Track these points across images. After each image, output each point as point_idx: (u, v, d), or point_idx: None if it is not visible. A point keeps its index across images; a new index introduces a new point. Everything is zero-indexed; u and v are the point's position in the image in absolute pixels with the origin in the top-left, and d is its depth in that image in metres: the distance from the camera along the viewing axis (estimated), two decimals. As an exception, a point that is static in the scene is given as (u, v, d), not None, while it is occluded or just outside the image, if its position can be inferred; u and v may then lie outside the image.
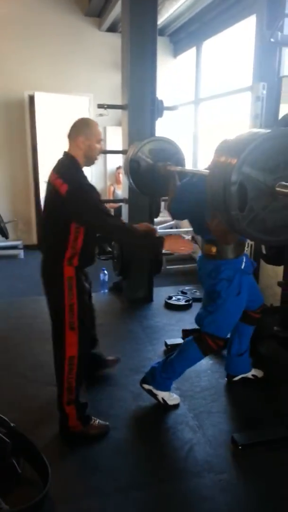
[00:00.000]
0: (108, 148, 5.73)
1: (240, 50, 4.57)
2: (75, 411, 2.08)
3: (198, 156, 5.65)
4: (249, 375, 2.64)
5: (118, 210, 4.92)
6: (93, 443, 2.09)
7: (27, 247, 5.95)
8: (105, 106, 3.54)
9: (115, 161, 6.18)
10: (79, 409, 2.09)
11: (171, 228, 5.52)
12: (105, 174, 6.45)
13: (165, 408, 2.36)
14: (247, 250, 2.68)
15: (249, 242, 2.75)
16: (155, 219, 3.89)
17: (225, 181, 1.32)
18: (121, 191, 4.98)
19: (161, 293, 4.06)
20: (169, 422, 2.28)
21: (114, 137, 5.31)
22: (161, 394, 2.37)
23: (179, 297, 3.95)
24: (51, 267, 2.05)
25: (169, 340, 3.10)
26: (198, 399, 2.47)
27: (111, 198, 6.11)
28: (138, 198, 3.59)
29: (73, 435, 2.10)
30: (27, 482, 1.83)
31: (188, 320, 3.39)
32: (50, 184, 2.02)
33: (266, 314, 2.78)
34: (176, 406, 2.38)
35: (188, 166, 3.11)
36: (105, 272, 4.30)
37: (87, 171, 2.08)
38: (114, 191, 6.26)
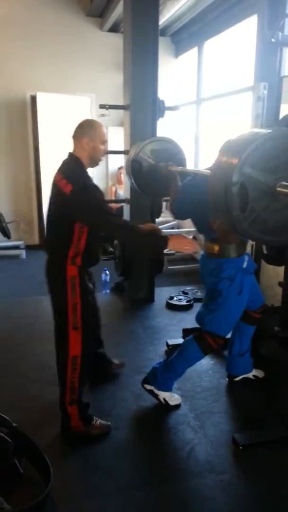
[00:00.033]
0: (110, 148, 5.69)
1: (241, 50, 4.56)
2: (77, 411, 2.08)
3: (199, 156, 5.64)
4: (250, 375, 2.64)
5: (120, 210, 4.92)
6: (94, 443, 2.10)
7: (29, 247, 5.95)
8: (107, 106, 3.54)
9: (117, 161, 6.17)
10: (81, 409, 2.10)
11: (173, 228, 5.51)
12: (107, 174, 6.44)
13: (166, 409, 2.36)
14: (248, 249, 2.68)
15: (250, 242, 2.75)
16: (157, 219, 3.90)
17: (227, 181, 1.32)
18: (123, 191, 4.97)
19: (163, 293, 4.07)
20: (170, 422, 2.28)
21: (116, 138, 5.30)
22: (163, 395, 2.37)
23: (180, 297, 3.95)
24: (55, 266, 2.05)
25: (171, 340, 3.10)
26: (199, 399, 2.47)
27: (113, 198, 6.10)
28: (139, 198, 3.59)
29: (75, 435, 2.11)
30: (29, 482, 1.83)
31: (190, 320, 3.39)
32: (55, 185, 2.03)
33: (267, 314, 2.78)
34: (177, 407, 2.38)
35: (190, 166, 3.11)
36: (107, 272, 4.30)
37: (89, 171, 2.09)
38: (116, 191, 6.27)
